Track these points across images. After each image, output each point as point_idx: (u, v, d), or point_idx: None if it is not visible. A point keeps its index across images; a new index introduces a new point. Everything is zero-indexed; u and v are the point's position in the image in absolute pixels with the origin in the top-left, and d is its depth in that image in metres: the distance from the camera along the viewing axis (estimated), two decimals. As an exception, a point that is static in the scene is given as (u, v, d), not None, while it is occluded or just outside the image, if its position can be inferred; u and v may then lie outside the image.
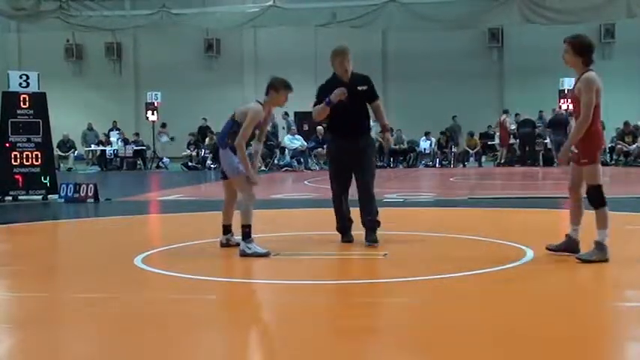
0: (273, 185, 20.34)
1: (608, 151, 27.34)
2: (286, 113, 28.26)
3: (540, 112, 28.49)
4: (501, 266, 6.82)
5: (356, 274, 6.88)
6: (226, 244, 8.01)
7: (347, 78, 8.25)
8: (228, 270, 7.12)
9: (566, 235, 7.10)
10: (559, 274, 6.70)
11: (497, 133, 28.72)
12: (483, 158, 29.08)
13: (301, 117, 30.51)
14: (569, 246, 7.04)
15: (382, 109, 8.49)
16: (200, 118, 31.49)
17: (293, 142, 26.37)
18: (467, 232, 8.68)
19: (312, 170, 25.08)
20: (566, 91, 27.21)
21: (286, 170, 25.79)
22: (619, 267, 7.07)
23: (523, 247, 7.64)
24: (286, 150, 26.98)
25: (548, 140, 27.56)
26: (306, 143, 26.73)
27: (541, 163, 27.30)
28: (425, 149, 29.13)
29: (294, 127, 27.27)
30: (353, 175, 8.28)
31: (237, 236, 7.71)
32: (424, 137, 29.27)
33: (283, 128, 28.52)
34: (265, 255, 7.41)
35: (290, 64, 33.43)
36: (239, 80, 34.69)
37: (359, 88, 8.25)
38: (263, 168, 26.52)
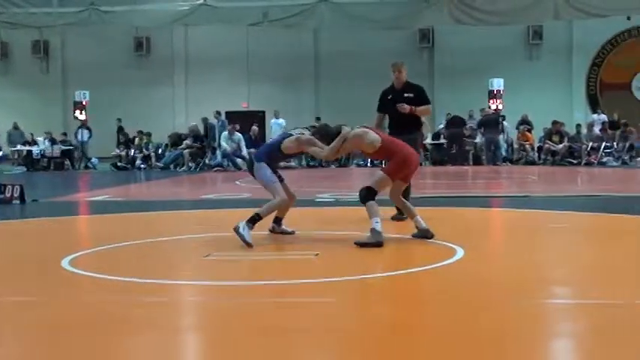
0: (205, 185, 20.24)
1: (536, 150, 27.91)
2: (218, 112, 28.02)
3: (470, 111, 28.86)
4: (430, 265, 6.87)
5: (286, 274, 6.85)
6: (272, 231, 8.74)
7: (399, 86, 10.58)
8: (158, 272, 7.02)
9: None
10: (488, 272, 6.77)
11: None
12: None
13: (232, 116, 30.30)
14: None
15: (425, 111, 10.57)
16: (132, 118, 31.12)
17: (228, 142, 25.96)
18: (397, 232, 8.73)
19: (242, 170, 24.89)
20: (495, 92, 27.73)
21: (217, 170, 25.59)
22: (544, 265, 7.20)
23: (453, 246, 7.71)
24: (217, 150, 26.69)
25: (478, 140, 27.96)
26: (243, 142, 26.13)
27: (471, 162, 27.69)
28: (358, 149, 29.13)
29: (229, 127, 26.70)
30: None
31: (284, 227, 8.72)
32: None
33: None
34: (248, 245, 7.79)
35: (221, 63, 33.39)
36: (169, 79, 34.39)
37: (405, 95, 10.46)
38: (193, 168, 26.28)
